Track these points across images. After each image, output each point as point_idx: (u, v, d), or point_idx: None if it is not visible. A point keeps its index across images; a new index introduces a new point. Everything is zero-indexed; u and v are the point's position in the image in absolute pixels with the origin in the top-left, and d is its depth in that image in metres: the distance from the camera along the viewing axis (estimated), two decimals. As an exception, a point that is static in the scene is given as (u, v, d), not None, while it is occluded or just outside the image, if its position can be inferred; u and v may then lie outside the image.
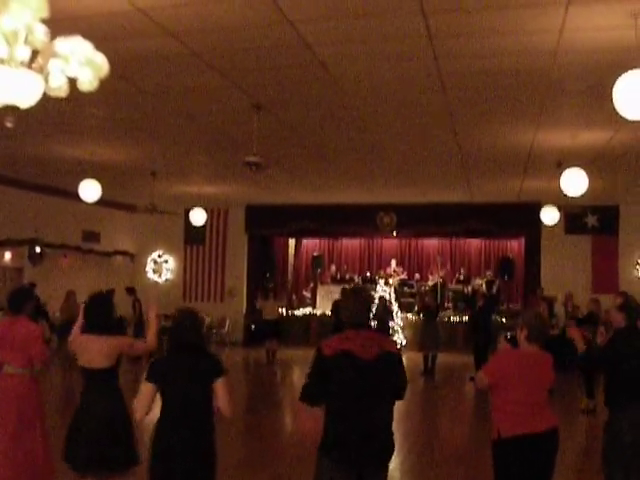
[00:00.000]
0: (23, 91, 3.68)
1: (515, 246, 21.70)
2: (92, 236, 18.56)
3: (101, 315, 4.91)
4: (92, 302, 5.03)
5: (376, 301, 17.42)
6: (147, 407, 4.16)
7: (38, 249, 16.22)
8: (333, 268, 22.11)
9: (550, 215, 14.56)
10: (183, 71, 7.56)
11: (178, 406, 4.05)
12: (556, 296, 15.39)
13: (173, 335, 4.24)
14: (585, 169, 10.70)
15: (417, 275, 21.38)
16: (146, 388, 4.12)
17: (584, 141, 10.55)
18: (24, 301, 5.55)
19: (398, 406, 4.09)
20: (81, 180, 12.98)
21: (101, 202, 18.22)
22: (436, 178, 14.62)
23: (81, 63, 3.81)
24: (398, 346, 4.03)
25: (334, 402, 3.83)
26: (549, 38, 6.41)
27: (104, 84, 3.78)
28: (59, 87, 4.15)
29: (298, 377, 14.26)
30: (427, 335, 13.77)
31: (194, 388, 4.06)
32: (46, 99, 3.78)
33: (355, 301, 3.96)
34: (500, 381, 4.35)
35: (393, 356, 3.93)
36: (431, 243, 23.04)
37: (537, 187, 15.50)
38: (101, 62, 3.83)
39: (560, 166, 12.47)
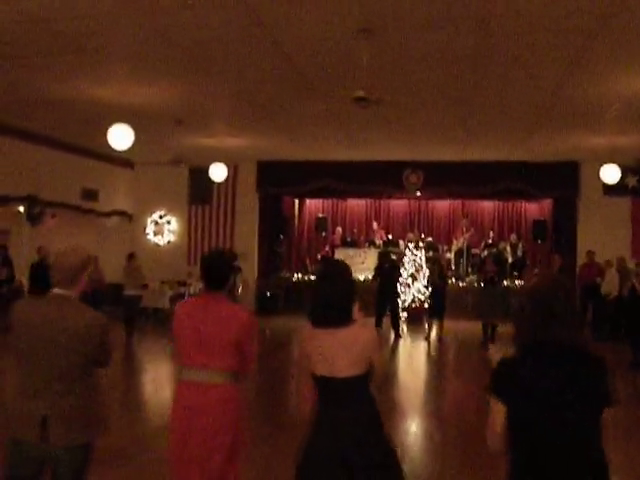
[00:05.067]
0: None
1: (532, 209, 20.67)
2: (91, 194, 16.70)
3: (347, 297, 3.23)
4: (330, 275, 3.32)
5: (425, 264, 16.24)
6: (502, 437, 2.53)
7: (38, 208, 14.37)
8: (339, 230, 20.76)
9: (611, 173, 13.51)
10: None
11: (548, 447, 2.44)
12: (611, 261, 14.45)
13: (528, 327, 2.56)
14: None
15: (430, 238, 20.20)
16: (497, 409, 2.52)
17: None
18: (228, 272, 3.77)
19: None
20: (88, 129, 11.29)
21: (101, 157, 16.53)
22: (496, 132, 13.35)
23: None
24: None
25: None
26: None
27: None
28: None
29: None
30: (487, 303, 12.61)
31: (574, 420, 2.45)
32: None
33: None
34: None
35: None
36: (441, 205, 21.88)
37: (592, 144, 14.34)
38: None
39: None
